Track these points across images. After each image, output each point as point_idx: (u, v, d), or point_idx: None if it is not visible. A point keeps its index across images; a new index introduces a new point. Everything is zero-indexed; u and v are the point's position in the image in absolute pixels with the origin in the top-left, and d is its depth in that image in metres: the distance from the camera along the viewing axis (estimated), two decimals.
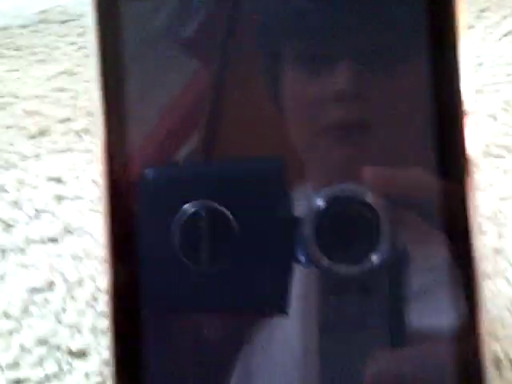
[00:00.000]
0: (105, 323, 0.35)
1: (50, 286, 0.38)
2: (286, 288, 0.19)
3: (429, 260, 0.19)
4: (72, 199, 0.44)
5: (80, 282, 0.38)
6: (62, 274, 0.39)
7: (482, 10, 0.64)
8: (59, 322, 0.37)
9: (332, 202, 0.19)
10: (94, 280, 0.38)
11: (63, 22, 0.64)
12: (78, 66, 0.57)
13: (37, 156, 0.47)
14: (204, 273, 0.19)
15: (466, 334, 0.18)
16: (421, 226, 0.19)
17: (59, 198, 0.44)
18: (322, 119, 0.21)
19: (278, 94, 0.21)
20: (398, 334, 0.19)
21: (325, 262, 0.19)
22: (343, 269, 0.19)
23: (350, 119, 0.21)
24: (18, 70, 0.57)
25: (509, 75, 0.54)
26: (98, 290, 0.38)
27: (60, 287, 0.38)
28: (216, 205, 0.19)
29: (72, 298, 0.38)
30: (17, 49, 0.60)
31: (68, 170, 0.46)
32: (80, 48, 0.59)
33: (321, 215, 0.19)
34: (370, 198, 0.19)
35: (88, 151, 0.47)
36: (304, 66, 0.21)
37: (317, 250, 0.19)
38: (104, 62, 0.20)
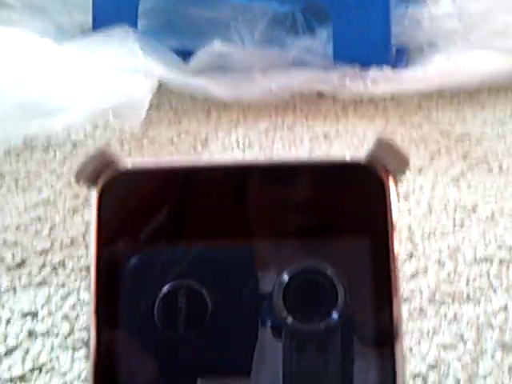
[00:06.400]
0: None
1: None
2: (251, 353, 0.23)
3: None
4: (44, 335, 0.46)
5: None
6: None
7: (433, 155, 0.68)
8: None
9: (296, 275, 0.24)
10: None
11: (45, 148, 0.68)
12: (58, 194, 0.61)
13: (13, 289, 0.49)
14: (180, 340, 0.23)
15: None
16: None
17: (32, 335, 0.46)
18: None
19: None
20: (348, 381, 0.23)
21: (291, 322, 0.23)
22: (307, 327, 0.23)
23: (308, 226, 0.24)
24: None
25: (455, 221, 0.59)
26: None
27: None
28: (192, 283, 0.23)
29: None
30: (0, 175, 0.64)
31: (42, 305, 0.48)
32: (60, 175, 0.63)
33: (287, 285, 0.23)
34: (327, 269, 0.23)
35: (63, 285, 0.50)
36: None
37: (284, 312, 0.23)
38: None
